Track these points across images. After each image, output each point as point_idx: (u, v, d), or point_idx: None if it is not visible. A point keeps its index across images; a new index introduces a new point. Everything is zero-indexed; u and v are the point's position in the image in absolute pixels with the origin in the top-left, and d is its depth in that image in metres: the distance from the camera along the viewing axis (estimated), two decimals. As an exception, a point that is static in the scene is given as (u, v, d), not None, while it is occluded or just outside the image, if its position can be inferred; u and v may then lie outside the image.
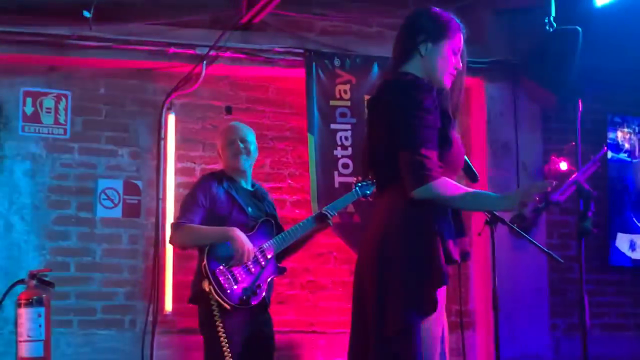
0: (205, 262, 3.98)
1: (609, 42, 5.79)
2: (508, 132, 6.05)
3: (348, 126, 5.64)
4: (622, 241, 6.22)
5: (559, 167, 5.84)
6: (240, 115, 5.71)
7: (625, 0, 5.33)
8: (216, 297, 3.93)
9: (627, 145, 6.32)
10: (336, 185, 5.54)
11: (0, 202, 5.24)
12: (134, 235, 5.46)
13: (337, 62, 5.68)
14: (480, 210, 2.58)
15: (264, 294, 4.10)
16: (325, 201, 5.34)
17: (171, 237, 4.24)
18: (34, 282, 4.45)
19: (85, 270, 5.35)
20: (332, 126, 5.63)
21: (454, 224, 2.69)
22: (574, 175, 3.09)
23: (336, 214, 4.38)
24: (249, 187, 4.35)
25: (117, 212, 5.44)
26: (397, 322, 2.53)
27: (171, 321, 5.39)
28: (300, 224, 4.30)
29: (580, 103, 3.64)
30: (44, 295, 4.40)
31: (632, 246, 6.24)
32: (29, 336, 4.26)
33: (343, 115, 5.65)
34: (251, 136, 4.38)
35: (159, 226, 5.36)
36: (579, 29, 5.13)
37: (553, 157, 5.90)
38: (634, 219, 6.28)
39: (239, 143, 4.28)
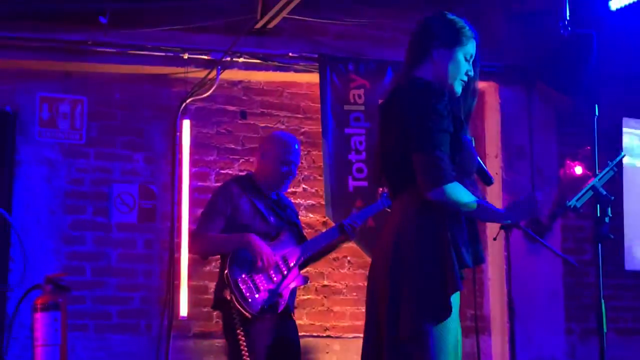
0: (227, 270, 3.96)
1: (623, 46, 5.77)
2: (522, 136, 6.04)
3: (362, 131, 5.64)
4: (638, 248, 6.19)
5: (574, 171, 5.78)
6: (255, 120, 5.73)
7: (640, 3, 5.31)
8: (237, 306, 3.91)
9: (642, 149, 6.29)
10: (350, 189, 5.54)
11: (17, 207, 5.28)
12: (149, 239, 5.48)
13: (351, 67, 5.69)
14: (485, 221, 2.60)
15: (285, 302, 4.08)
16: (339, 206, 5.36)
17: (190, 247, 4.25)
18: (50, 286, 4.47)
19: (101, 275, 5.37)
20: (347, 131, 5.63)
21: (467, 229, 2.69)
22: (590, 181, 3.07)
23: (357, 225, 4.28)
24: (272, 196, 4.31)
25: (133, 217, 5.46)
26: (411, 327, 2.53)
27: (186, 326, 5.40)
28: (324, 233, 4.28)
29: (596, 107, 3.62)
30: (59, 300, 4.42)
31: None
32: (45, 341, 4.28)
33: (357, 119, 5.66)
34: (299, 156, 4.33)
35: (174, 231, 5.38)
36: (594, 32, 5.12)
37: (568, 161, 5.85)
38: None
39: (293, 168, 4.24)
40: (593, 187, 3.03)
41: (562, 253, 4.82)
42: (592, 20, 5.35)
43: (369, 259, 5.55)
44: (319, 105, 5.63)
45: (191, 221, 5.30)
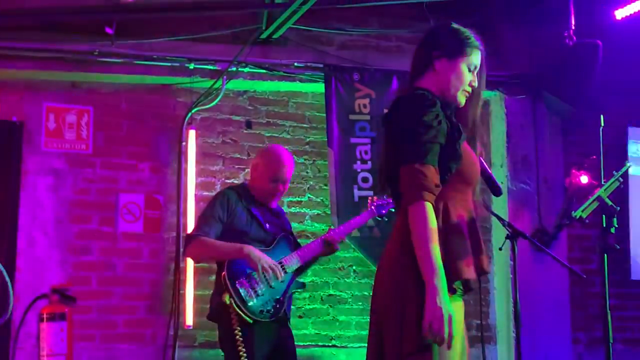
0: (225, 274, 3.99)
1: (629, 55, 5.77)
2: (528, 145, 6.04)
3: (367, 140, 5.65)
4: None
5: (579, 180, 5.80)
6: (260, 130, 5.74)
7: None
8: (237, 309, 3.93)
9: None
10: (356, 199, 5.55)
11: (23, 217, 5.29)
12: (155, 249, 5.49)
13: (356, 77, 5.70)
14: (420, 257, 2.45)
15: (284, 308, 4.11)
16: (345, 215, 5.36)
17: (185, 249, 4.25)
18: (56, 296, 4.48)
19: (107, 285, 5.38)
20: (352, 140, 5.64)
21: (470, 240, 2.65)
22: (596, 191, 3.07)
23: (344, 238, 4.33)
24: (267, 204, 4.34)
25: (138, 227, 5.47)
26: (415, 343, 2.52)
27: (192, 335, 5.40)
28: (311, 244, 4.28)
29: (601, 117, 3.62)
30: (66, 310, 4.44)
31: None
32: (51, 350, 4.29)
33: (362, 129, 5.67)
34: (292, 172, 4.34)
35: (179, 240, 5.38)
36: (599, 42, 5.13)
37: (573, 171, 5.86)
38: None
39: (281, 185, 4.26)
40: (599, 198, 3.03)
41: (568, 263, 4.80)
42: (597, 30, 5.36)
43: (374, 269, 5.54)
44: (325, 115, 5.65)
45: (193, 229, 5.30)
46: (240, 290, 3.96)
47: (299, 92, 5.85)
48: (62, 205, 5.36)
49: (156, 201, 5.53)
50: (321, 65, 5.66)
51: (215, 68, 5.49)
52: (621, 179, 3.20)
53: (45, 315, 4.37)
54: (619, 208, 3.10)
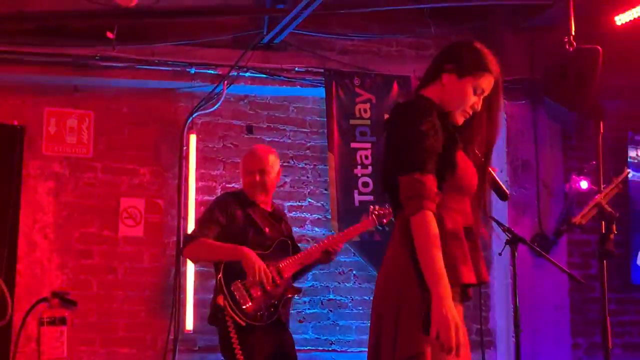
0: (221, 277, 4.01)
1: (628, 61, 5.78)
2: (528, 150, 6.04)
3: (368, 145, 5.66)
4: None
5: (579, 186, 5.83)
6: (261, 135, 5.75)
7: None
8: (230, 312, 3.94)
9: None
10: (356, 204, 5.56)
11: (24, 221, 5.30)
12: (155, 253, 5.50)
13: (357, 81, 5.71)
14: (425, 266, 2.43)
15: (278, 313, 4.11)
16: (345, 220, 5.36)
17: (183, 249, 4.27)
18: (56, 300, 4.49)
19: (107, 289, 5.38)
20: (352, 145, 5.66)
21: (468, 248, 2.63)
22: (595, 197, 3.08)
23: (342, 247, 4.34)
24: (267, 208, 4.35)
25: (139, 231, 5.48)
26: (409, 348, 2.51)
27: (192, 339, 5.41)
28: (309, 250, 4.28)
29: (601, 123, 3.63)
30: (66, 314, 4.45)
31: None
32: (51, 354, 4.30)
33: (363, 134, 5.68)
34: (272, 162, 4.35)
35: (180, 245, 5.39)
36: (599, 47, 5.14)
37: (574, 176, 5.89)
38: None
39: (257, 175, 4.28)
40: (598, 204, 3.03)
41: (567, 268, 4.81)
42: (598, 36, 5.37)
43: (374, 273, 5.56)
44: (325, 120, 5.66)
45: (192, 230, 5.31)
46: (235, 293, 3.98)
47: (300, 97, 5.86)
48: (63, 209, 5.37)
49: (157, 205, 5.54)
50: (322, 70, 5.67)
51: (216, 73, 5.50)
52: (621, 185, 3.21)
53: (45, 319, 4.39)
54: (618, 214, 3.10)
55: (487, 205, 2.87)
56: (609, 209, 3.07)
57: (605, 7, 5.43)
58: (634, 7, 5.30)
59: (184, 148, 5.53)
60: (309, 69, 5.67)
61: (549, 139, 6.09)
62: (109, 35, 5.15)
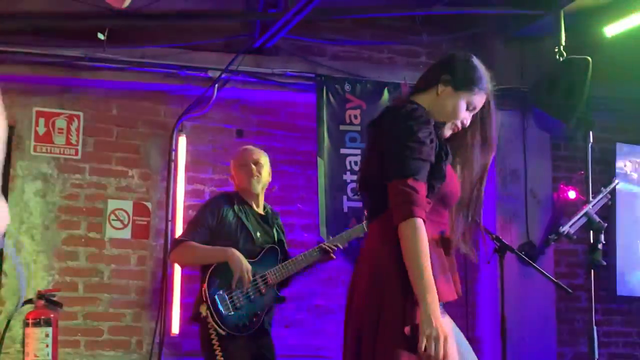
0: (205, 286, 3.99)
1: (618, 72, 5.82)
2: (517, 159, 6.06)
3: (358, 151, 5.66)
4: (632, 277, 6.21)
5: (567, 195, 5.85)
6: (251, 139, 5.74)
7: (635, 30, 5.37)
8: (212, 322, 3.94)
9: (635, 175, 6.32)
10: (345, 209, 5.56)
11: (11, 222, 5.26)
12: (143, 256, 5.48)
13: (347, 87, 5.72)
14: (413, 277, 2.40)
15: (261, 321, 4.10)
16: (334, 225, 5.36)
17: (170, 253, 4.26)
18: (42, 302, 4.46)
19: (94, 291, 5.36)
20: (342, 151, 5.66)
21: (447, 263, 2.62)
22: (584, 207, 3.09)
23: (340, 247, 4.33)
24: (261, 211, 4.35)
25: (126, 233, 5.46)
26: (387, 356, 2.50)
27: (178, 343, 5.39)
28: (305, 254, 4.27)
29: (591, 133, 3.65)
30: (51, 315, 4.42)
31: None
32: (36, 356, 4.27)
33: (353, 140, 5.68)
34: (264, 159, 4.39)
35: (167, 248, 5.37)
36: (589, 58, 5.17)
37: (562, 186, 5.91)
38: (642, 248, 6.27)
39: (253, 165, 4.30)
40: (586, 214, 3.04)
41: (554, 277, 4.82)
42: (588, 47, 5.40)
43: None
44: (316, 125, 5.66)
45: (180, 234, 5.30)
46: (219, 303, 3.97)
47: (291, 102, 5.86)
48: (50, 211, 5.35)
49: (145, 208, 5.52)
50: (313, 76, 5.67)
51: (207, 76, 5.49)
52: (609, 195, 3.22)
53: (30, 320, 4.35)
54: (606, 224, 3.11)
55: (478, 219, 2.86)
56: (598, 219, 3.09)
57: (596, 18, 5.46)
58: (623, 18, 5.33)
59: (173, 151, 5.52)
60: (300, 74, 5.67)
61: (538, 149, 6.11)
62: (100, 36, 5.14)
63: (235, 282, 4.00)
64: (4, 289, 5.16)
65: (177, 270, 5.36)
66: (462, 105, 2.71)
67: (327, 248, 4.24)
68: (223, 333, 3.93)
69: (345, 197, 5.59)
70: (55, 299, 4.52)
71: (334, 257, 4.30)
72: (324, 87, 5.65)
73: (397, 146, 2.56)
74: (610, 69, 5.70)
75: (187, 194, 5.55)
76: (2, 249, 5.18)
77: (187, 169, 5.56)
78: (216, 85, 5.44)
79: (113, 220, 5.44)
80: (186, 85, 5.51)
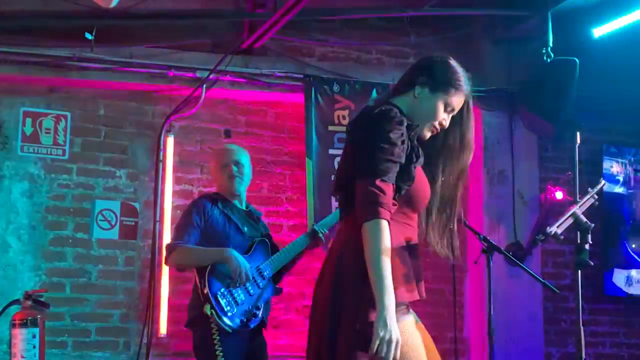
0: (206, 286, 3.99)
1: (605, 73, 5.84)
2: (504, 160, 6.08)
3: (346, 152, 5.66)
4: (619, 277, 6.24)
5: (554, 196, 5.87)
6: (239, 139, 5.73)
7: (622, 32, 5.40)
8: (218, 320, 3.94)
9: (621, 176, 6.36)
10: (333, 210, 5.55)
11: (-2, 222, 5.24)
12: (130, 257, 5.46)
13: (336, 88, 5.72)
14: (372, 278, 2.41)
15: (262, 314, 4.13)
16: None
17: (166, 259, 4.25)
18: (29, 302, 4.44)
19: (81, 292, 5.34)
20: (330, 151, 5.66)
21: (412, 264, 2.61)
22: (571, 208, 3.10)
23: (327, 231, 4.39)
24: (243, 207, 4.39)
25: (114, 234, 5.44)
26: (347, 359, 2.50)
27: (166, 344, 5.38)
28: (295, 242, 4.34)
29: (577, 135, 3.66)
30: (38, 316, 4.39)
31: (629, 281, 6.26)
32: (22, 357, 4.24)
33: (341, 140, 5.68)
34: (245, 159, 4.40)
35: (155, 248, 5.36)
36: (576, 59, 5.19)
37: (549, 186, 5.93)
38: (629, 249, 6.30)
39: (233, 166, 4.31)
40: (573, 215, 3.05)
41: (542, 278, 4.84)
42: (575, 48, 5.42)
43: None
44: (304, 125, 5.66)
45: (172, 238, 5.29)
46: (222, 301, 3.97)
47: (279, 102, 5.85)
48: (38, 211, 5.32)
49: (132, 208, 5.50)
50: (301, 76, 5.67)
51: (195, 76, 5.48)
52: (596, 196, 3.23)
53: (17, 321, 4.33)
54: (593, 225, 3.13)
55: (461, 219, 2.86)
56: (585, 220, 3.10)
57: (583, 19, 5.49)
58: (611, 19, 5.36)
59: (161, 151, 5.50)
60: (289, 74, 5.66)
61: (526, 149, 6.13)
62: (88, 36, 5.12)
63: (236, 280, 4.01)
64: (-9, 290, 5.14)
65: (165, 271, 5.35)
66: (440, 106, 2.72)
67: (317, 230, 4.28)
68: (230, 330, 3.94)
69: (333, 198, 5.59)
70: (42, 299, 4.50)
71: (323, 240, 4.32)
72: (313, 88, 5.65)
73: (368, 146, 2.55)
74: (597, 70, 5.72)
75: (175, 194, 5.54)
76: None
77: (175, 169, 5.55)
78: (204, 85, 5.43)
79: (100, 220, 5.43)
80: (174, 86, 5.50)
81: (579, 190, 3.44)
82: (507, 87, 5.96)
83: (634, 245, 6.33)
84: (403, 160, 2.57)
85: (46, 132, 5.40)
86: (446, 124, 2.75)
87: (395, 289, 2.46)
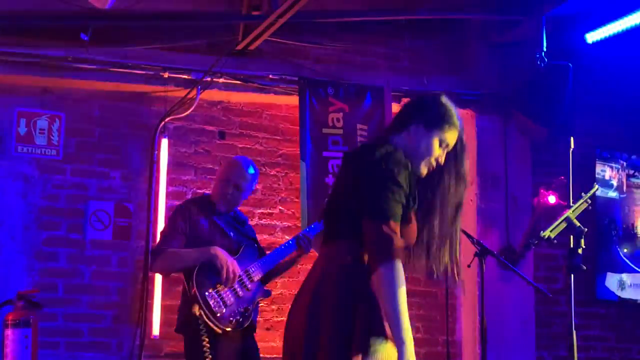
0: (194, 286, 4.00)
1: (598, 78, 5.87)
2: (498, 164, 6.10)
3: (340, 154, 5.67)
4: (611, 281, 6.26)
5: (547, 200, 5.88)
6: (233, 141, 5.74)
7: (616, 37, 5.42)
8: (207, 321, 3.94)
9: (614, 181, 6.38)
10: (327, 212, 5.57)
11: (-9, 222, 5.24)
12: (124, 258, 5.46)
13: (330, 91, 5.73)
14: (391, 319, 2.50)
15: (252, 316, 4.14)
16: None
17: (151, 264, 4.26)
18: (21, 303, 4.44)
19: (74, 292, 5.33)
20: (324, 154, 5.67)
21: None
22: (564, 212, 3.12)
23: (313, 238, 4.41)
24: (230, 213, 4.40)
25: (108, 235, 5.43)
26: None
27: (158, 345, 5.37)
28: (283, 246, 4.35)
29: (571, 139, 3.68)
30: (31, 317, 4.39)
31: (621, 284, 6.29)
32: (15, 357, 4.24)
33: (335, 143, 5.69)
34: (247, 185, 4.37)
35: (148, 249, 5.34)
36: (570, 64, 5.22)
37: (542, 190, 5.94)
38: (621, 254, 6.33)
39: (231, 189, 4.31)
40: (567, 219, 3.08)
41: (534, 282, 4.86)
42: (569, 53, 5.45)
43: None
44: (298, 128, 5.66)
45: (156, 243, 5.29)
46: (210, 302, 3.98)
47: (273, 104, 5.86)
48: (31, 211, 5.31)
49: (126, 209, 5.50)
50: (296, 79, 5.67)
51: (190, 78, 5.48)
52: (589, 201, 3.26)
53: (10, 321, 4.32)
54: (586, 229, 3.15)
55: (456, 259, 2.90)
56: (578, 224, 3.12)
57: (577, 24, 5.51)
58: (604, 25, 5.38)
59: (155, 152, 5.49)
60: (283, 76, 5.67)
61: (519, 153, 6.15)
62: (83, 37, 5.11)
63: (224, 277, 4.02)
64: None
65: (158, 272, 5.35)
66: (436, 143, 2.80)
67: (303, 237, 4.29)
68: (219, 331, 3.95)
69: (326, 200, 5.59)
70: (35, 300, 4.50)
71: (310, 247, 4.35)
72: (307, 90, 5.66)
73: (380, 188, 2.62)
74: (591, 75, 5.75)
75: (169, 195, 5.53)
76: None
77: (169, 170, 5.55)
78: (199, 86, 5.43)
79: (94, 221, 5.42)
80: (169, 87, 5.50)
81: (572, 194, 3.46)
82: (500, 91, 5.97)
83: (625, 250, 6.36)
84: (404, 203, 2.64)
85: (40, 133, 5.39)
86: (442, 160, 2.83)
87: (377, 315, 2.54)
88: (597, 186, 3.52)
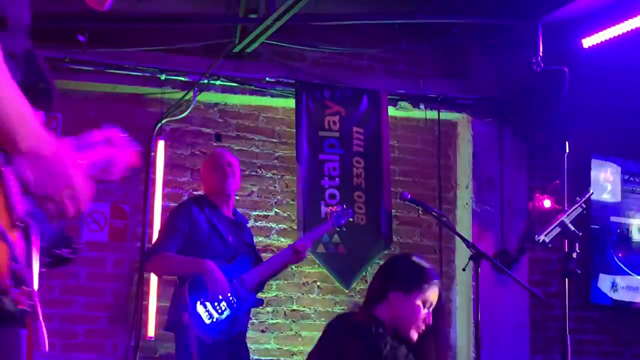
0: (186, 295, 3.99)
1: (594, 83, 5.88)
2: (493, 168, 6.11)
3: (336, 157, 5.69)
4: (604, 282, 6.27)
5: (542, 204, 5.89)
6: (230, 143, 5.75)
7: (612, 43, 5.44)
8: (197, 330, 3.93)
9: (609, 185, 6.39)
10: (322, 215, 5.57)
11: (-14, 222, 5.22)
12: (119, 259, 5.46)
13: (327, 94, 5.74)
14: None
15: (241, 325, 4.12)
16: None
17: (146, 265, 4.25)
18: (17, 303, 4.42)
19: (69, 293, 5.33)
20: (320, 157, 5.68)
21: None
22: (559, 217, 3.13)
23: (310, 247, 4.41)
24: (230, 215, 4.37)
25: (103, 236, 5.43)
26: None
27: (153, 347, 5.37)
28: (278, 255, 4.35)
29: (567, 144, 3.70)
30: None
31: (614, 286, 6.30)
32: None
33: (331, 146, 5.70)
34: (236, 162, 4.43)
35: (144, 251, 5.35)
36: (566, 69, 5.23)
37: (537, 195, 5.96)
38: (615, 258, 6.34)
39: (227, 167, 4.32)
40: (561, 223, 3.09)
41: (529, 285, 4.87)
42: (565, 57, 5.46)
43: (338, 285, 5.59)
44: (294, 130, 5.68)
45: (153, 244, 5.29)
46: (201, 312, 3.97)
47: (270, 107, 5.87)
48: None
49: (122, 211, 5.50)
50: (292, 81, 5.69)
51: (186, 80, 5.49)
52: (584, 205, 3.27)
53: (5, 323, 4.30)
54: (580, 234, 3.16)
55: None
56: (573, 228, 3.13)
57: (573, 29, 5.53)
58: (601, 30, 5.40)
59: (152, 154, 5.50)
60: (280, 79, 5.68)
61: (514, 157, 6.17)
62: (80, 38, 5.12)
63: (212, 294, 4.00)
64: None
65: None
66: (419, 305, 2.71)
67: (298, 248, 4.29)
68: (210, 342, 3.93)
69: (322, 203, 5.61)
70: (30, 301, 4.49)
71: (305, 256, 4.36)
72: (303, 93, 5.67)
73: None
74: (586, 80, 5.76)
75: (165, 197, 5.53)
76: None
77: (166, 172, 5.55)
78: (196, 89, 5.44)
79: (90, 222, 5.42)
80: (165, 89, 5.50)
81: (567, 198, 3.47)
82: (496, 96, 5.99)
83: (620, 254, 6.37)
84: None
85: (37, 134, 5.38)
86: (429, 320, 2.74)
87: None
88: (592, 190, 3.53)
